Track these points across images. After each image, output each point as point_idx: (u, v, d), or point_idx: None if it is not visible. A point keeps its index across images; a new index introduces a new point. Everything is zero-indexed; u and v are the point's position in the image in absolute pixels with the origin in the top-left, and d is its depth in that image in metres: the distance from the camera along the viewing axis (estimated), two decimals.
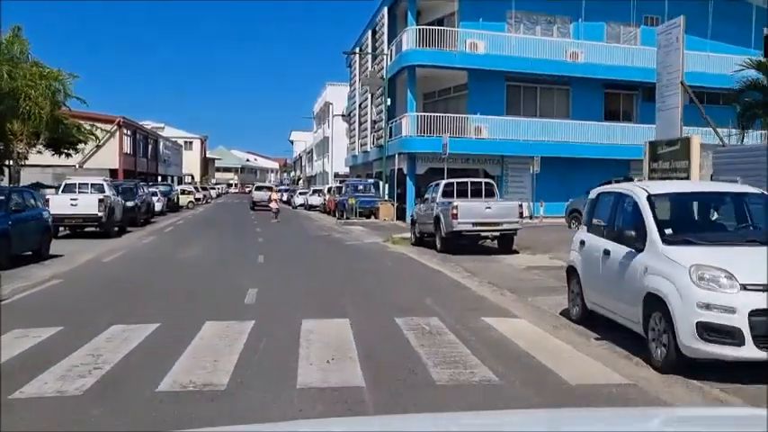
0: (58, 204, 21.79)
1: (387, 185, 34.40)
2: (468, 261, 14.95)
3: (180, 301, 9.77)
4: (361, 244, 20.56)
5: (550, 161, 29.65)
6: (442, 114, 30.94)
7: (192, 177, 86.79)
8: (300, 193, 56.15)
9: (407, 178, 31.92)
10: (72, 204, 21.79)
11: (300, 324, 7.86)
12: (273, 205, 33.49)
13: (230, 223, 32.29)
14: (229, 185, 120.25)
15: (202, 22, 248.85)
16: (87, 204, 21.77)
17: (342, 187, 38.65)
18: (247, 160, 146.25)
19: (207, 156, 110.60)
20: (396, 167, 32.15)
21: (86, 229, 22.53)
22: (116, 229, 23.71)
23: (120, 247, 18.66)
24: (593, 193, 8.06)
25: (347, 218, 33.32)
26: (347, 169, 52.38)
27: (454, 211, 15.93)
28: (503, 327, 7.92)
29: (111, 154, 47.84)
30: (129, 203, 27.40)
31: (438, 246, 17.00)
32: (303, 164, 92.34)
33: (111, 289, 10.95)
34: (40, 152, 34.92)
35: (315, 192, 51.13)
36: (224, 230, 27.01)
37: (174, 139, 79.74)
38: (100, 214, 21.72)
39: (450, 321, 8.11)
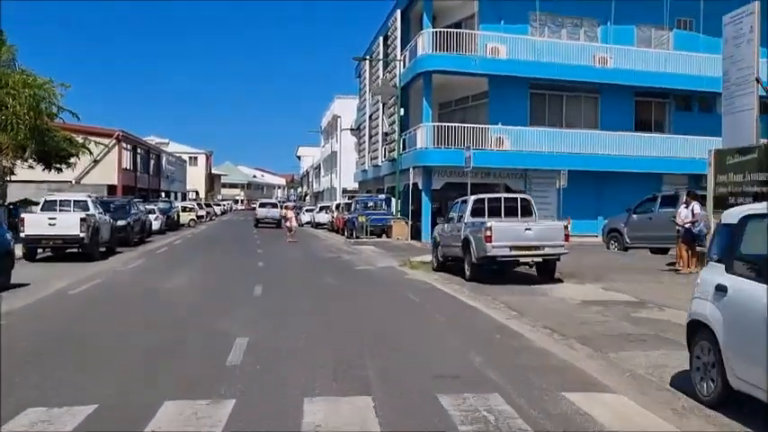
0: (35, 224, 19.53)
1: (399, 202, 31.87)
2: (506, 293, 12.41)
3: (140, 360, 7.26)
4: (374, 269, 18.05)
5: (577, 175, 27.01)
6: (461, 125, 28.47)
7: (197, 194, 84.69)
8: (307, 210, 53.65)
9: (423, 194, 29.43)
10: (50, 224, 19.42)
11: (302, 408, 5.35)
12: (290, 224, 31.28)
13: (231, 243, 29.84)
14: (236, 202, 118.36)
15: (210, 37, 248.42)
16: (67, 224, 19.40)
17: (351, 204, 36.24)
18: (254, 176, 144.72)
19: (212, 172, 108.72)
20: (410, 182, 29.65)
21: (69, 251, 20.24)
22: (103, 250, 21.44)
23: (99, 273, 16.28)
24: (731, 217, 5.51)
25: (357, 237, 30.86)
26: (356, 185, 49.99)
27: (488, 233, 13.40)
28: (598, 410, 5.37)
29: (109, 169, 45.73)
30: (121, 222, 25.18)
31: (467, 273, 14.45)
32: (310, 180, 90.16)
33: (60, 338, 8.47)
34: (31, 167, 32.75)
35: (322, 209, 48.67)
36: (222, 252, 24.55)
37: (178, 155, 77.65)
38: (81, 235, 19.34)
39: (519, 402, 5.56)
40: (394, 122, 32.50)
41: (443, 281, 14.79)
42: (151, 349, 7.70)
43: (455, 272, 15.61)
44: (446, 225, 16.50)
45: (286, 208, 37.38)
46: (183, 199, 68.21)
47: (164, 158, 64.37)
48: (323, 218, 45.51)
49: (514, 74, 28.47)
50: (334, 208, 43.57)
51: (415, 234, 29.41)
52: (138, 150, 52.84)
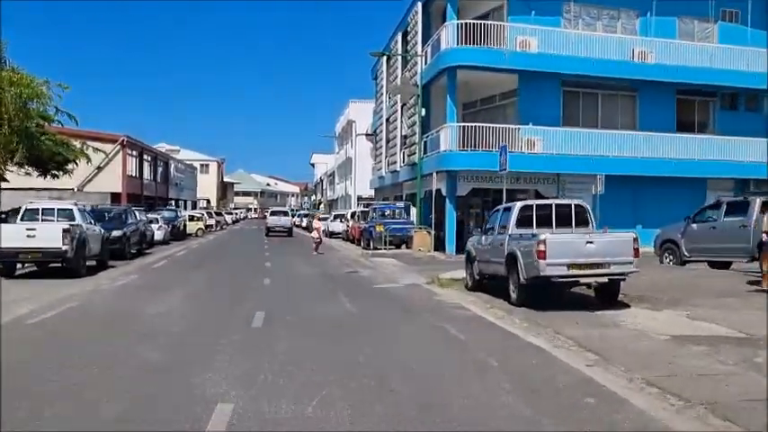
0: (12, 235, 17.21)
1: (420, 209, 29.37)
2: (568, 323, 9.88)
3: None
4: (398, 288, 15.56)
5: (614, 180, 24.30)
6: (489, 125, 25.95)
7: (208, 202, 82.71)
8: (321, 219, 51.27)
9: (446, 201, 26.91)
10: (29, 236, 17.11)
11: None
12: (315, 234, 29.00)
13: (237, 255, 27.53)
14: (249, 210, 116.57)
15: (219, 43, 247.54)
16: (48, 236, 17.10)
17: (368, 212, 33.79)
18: (267, 184, 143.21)
19: (224, 180, 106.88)
20: (433, 188, 27.14)
21: (52, 266, 17.99)
22: (93, 264, 19.22)
23: (79, 294, 14.03)
24: None
25: (375, 248, 28.42)
26: (372, 192, 47.55)
27: (541, 248, 10.87)
28: None
29: (113, 176, 43.69)
30: (116, 233, 22.96)
31: (513, 296, 11.94)
32: (324, 187, 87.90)
33: None
34: (28, 173, 30.64)
35: (336, 217, 46.24)
36: (226, 266, 22.20)
37: (188, 162, 75.69)
38: (64, 248, 17.03)
39: None
40: (414, 124, 30.07)
41: (483, 305, 12.28)
42: (90, 427, 5.25)
43: (495, 292, 13.13)
44: (483, 237, 14.00)
45: (315, 219, 35.25)
46: (194, 207, 66.15)
47: (172, 165, 62.33)
48: (337, 227, 43.12)
49: (546, 69, 26.01)
50: (349, 216, 41.22)
51: (439, 245, 26.93)
52: (145, 157, 50.80)
